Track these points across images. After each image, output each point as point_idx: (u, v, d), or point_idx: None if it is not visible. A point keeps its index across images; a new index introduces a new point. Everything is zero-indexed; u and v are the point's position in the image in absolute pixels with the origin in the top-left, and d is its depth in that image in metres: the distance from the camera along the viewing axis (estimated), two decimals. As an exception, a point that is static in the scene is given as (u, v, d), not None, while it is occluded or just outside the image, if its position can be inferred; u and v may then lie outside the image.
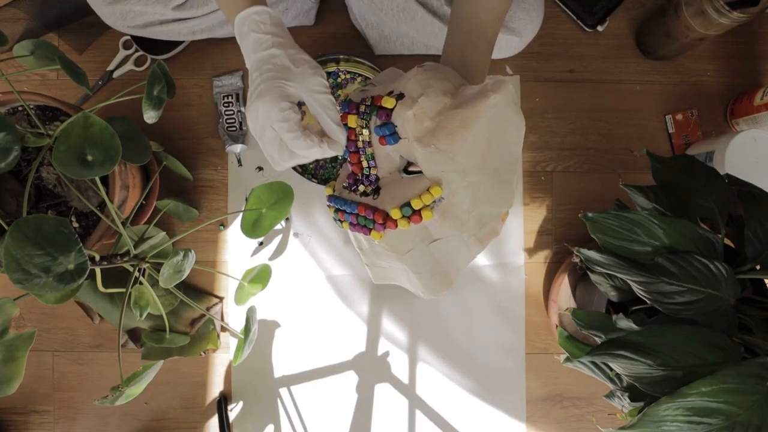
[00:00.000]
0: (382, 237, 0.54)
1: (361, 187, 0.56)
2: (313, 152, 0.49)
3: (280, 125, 0.49)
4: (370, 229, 0.54)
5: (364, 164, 0.56)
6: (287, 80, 0.50)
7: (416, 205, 0.51)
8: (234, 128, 0.89)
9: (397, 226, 0.52)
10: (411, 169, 0.56)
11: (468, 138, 0.49)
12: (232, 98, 0.90)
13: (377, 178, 0.56)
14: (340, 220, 0.59)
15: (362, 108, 0.54)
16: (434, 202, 0.52)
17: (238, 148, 0.89)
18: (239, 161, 0.91)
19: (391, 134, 0.52)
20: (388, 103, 0.52)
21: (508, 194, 0.54)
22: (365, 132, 0.54)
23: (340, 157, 0.89)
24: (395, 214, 0.52)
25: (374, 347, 0.91)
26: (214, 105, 0.91)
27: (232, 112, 0.90)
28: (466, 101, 0.51)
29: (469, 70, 0.58)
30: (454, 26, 0.61)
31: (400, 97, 0.52)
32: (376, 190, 0.55)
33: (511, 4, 0.78)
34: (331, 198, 0.60)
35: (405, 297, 0.91)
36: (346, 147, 0.55)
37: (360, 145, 0.55)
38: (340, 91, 0.91)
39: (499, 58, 0.88)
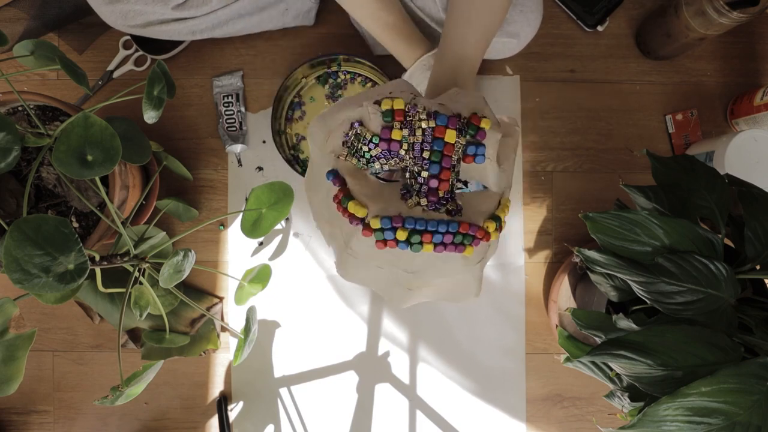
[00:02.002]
0: (472, 253, 0.51)
1: (450, 206, 0.51)
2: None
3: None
4: (466, 246, 0.50)
5: (452, 182, 0.51)
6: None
7: (503, 215, 0.52)
8: (234, 128, 0.89)
9: (490, 239, 0.51)
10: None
11: (514, 161, 0.55)
12: (232, 98, 0.90)
13: (455, 197, 0.52)
14: (410, 243, 0.49)
15: (459, 125, 0.50)
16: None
17: (238, 148, 0.89)
18: (239, 161, 0.91)
19: (481, 155, 0.51)
20: (486, 123, 0.51)
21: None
22: (460, 150, 0.51)
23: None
24: (491, 227, 0.50)
25: (374, 347, 0.91)
26: (214, 105, 0.91)
27: (232, 112, 0.90)
28: (506, 131, 0.55)
29: (464, 64, 0.62)
30: (453, 19, 0.62)
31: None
32: (459, 210, 0.51)
33: (510, 8, 0.78)
34: (409, 220, 0.48)
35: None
36: (437, 163, 0.50)
37: (453, 161, 0.51)
38: (340, 92, 0.91)
39: (497, 59, 0.88)
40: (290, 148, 0.90)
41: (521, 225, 0.91)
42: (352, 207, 0.48)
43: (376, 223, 0.47)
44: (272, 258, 0.91)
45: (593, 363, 0.66)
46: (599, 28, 0.92)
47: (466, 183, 0.55)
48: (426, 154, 0.50)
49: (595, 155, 0.92)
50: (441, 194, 0.51)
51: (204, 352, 0.88)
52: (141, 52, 0.91)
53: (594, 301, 0.75)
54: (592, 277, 0.65)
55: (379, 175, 0.53)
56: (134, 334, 0.89)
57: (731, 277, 0.53)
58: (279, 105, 0.88)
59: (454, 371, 0.91)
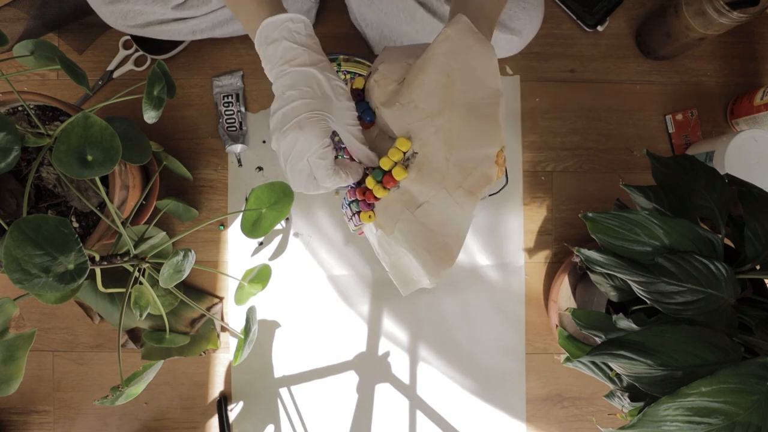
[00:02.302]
0: (373, 218, 0.48)
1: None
2: (338, 183, 0.49)
3: (317, 161, 0.48)
4: (358, 213, 0.50)
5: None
6: (328, 113, 0.48)
7: (385, 165, 0.47)
8: (234, 128, 0.89)
9: (375, 197, 0.47)
10: None
11: (425, 80, 0.46)
12: (232, 98, 0.90)
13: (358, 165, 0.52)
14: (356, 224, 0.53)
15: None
16: (406, 158, 0.47)
17: (238, 148, 0.89)
18: (239, 161, 0.91)
19: (364, 111, 0.50)
20: (358, 83, 0.50)
21: (492, 130, 0.46)
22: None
23: (339, 158, 0.89)
24: (369, 182, 0.47)
25: (375, 347, 0.91)
26: (214, 105, 0.91)
27: (232, 112, 0.89)
28: (424, 50, 0.48)
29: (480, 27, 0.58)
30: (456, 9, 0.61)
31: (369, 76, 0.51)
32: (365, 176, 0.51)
33: (512, 4, 0.78)
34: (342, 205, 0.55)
35: (406, 297, 0.91)
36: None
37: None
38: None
39: (498, 57, 0.88)
40: (290, 148, 0.90)
41: (521, 225, 0.91)
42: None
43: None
44: (272, 258, 0.91)
45: (593, 363, 0.66)
46: (599, 28, 0.92)
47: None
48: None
49: (595, 155, 0.92)
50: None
51: (204, 352, 0.88)
52: (141, 52, 0.91)
53: (594, 301, 0.75)
54: (592, 277, 0.65)
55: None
56: (134, 334, 0.89)
57: (731, 277, 0.53)
58: (279, 105, 0.88)
59: (454, 371, 0.91)
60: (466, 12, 0.54)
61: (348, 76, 0.90)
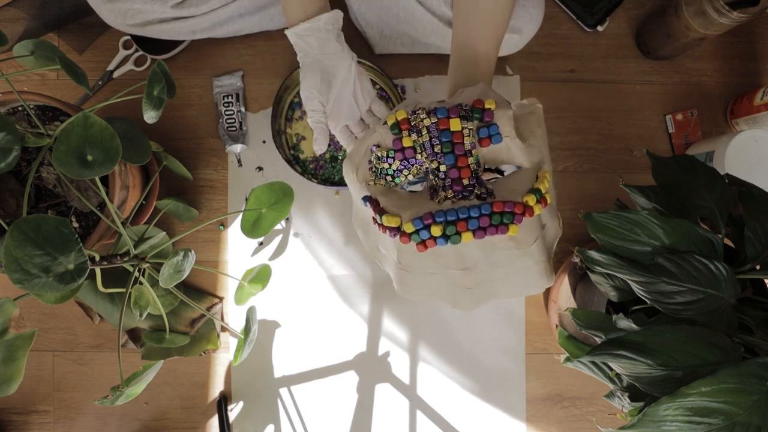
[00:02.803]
0: (517, 231, 0.50)
1: (478, 190, 0.51)
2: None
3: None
4: (508, 225, 0.49)
5: (473, 166, 0.52)
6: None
7: (543, 187, 0.50)
8: (234, 128, 0.89)
9: (533, 213, 0.49)
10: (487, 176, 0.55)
11: (543, 135, 0.53)
12: (232, 98, 0.90)
13: (482, 181, 0.52)
14: (447, 237, 0.49)
15: (463, 112, 0.52)
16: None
17: (238, 148, 0.89)
18: (239, 161, 0.91)
19: (495, 134, 0.51)
20: (490, 104, 0.51)
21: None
22: (474, 133, 0.52)
23: (339, 158, 0.89)
24: (531, 200, 0.49)
25: (375, 347, 0.91)
26: (214, 105, 0.91)
27: (232, 112, 0.89)
28: (525, 110, 0.54)
29: (479, 63, 0.62)
30: (460, 20, 0.62)
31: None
32: (490, 193, 0.51)
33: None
34: (438, 214, 0.49)
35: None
36: (450, 153, 0.51)
37: (467, 147, 0.52)
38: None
39: (499, 56, 0.88)
40: (290, 148, 0.90)
41: (521, 225, 0.91)
42: (386, 220, 0.50)
43: (409, 227, 0.49)
44: (272, 258, 0.91)
45: (593, 363, 0.66)
46: (599, 28, 0.92)
47: (501, 172, 0.55)
48: (437, 149, 0.51)
49: (595, 155, 0.92)
50: (466, 182, 0.51)
51: (204, 352, 0.88)
52: (141, 52, 0.91)
53: (594, 301, 0.75)
54: (592, 277, 0.65)
55: (413, 188, 0.55)
56: (134, 334, 0.89)
57: (731, 277, 0.53)
58: (279, 105, 0.88)
59: (454, 371, 0.91)
60: (471, 29, 0.61)
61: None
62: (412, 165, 0.52)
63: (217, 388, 0.91)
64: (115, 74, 0.92)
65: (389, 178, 0.53)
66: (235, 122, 0.89)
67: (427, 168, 0.52)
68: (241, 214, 0.71)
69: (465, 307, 0.56)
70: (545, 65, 0.93)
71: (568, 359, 0.75)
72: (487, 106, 0.51)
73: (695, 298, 0.53)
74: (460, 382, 0.91)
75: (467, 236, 0.49)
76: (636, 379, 0.51)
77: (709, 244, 0.55)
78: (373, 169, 0.53)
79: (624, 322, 0.57)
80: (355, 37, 0.91)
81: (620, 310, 0.64)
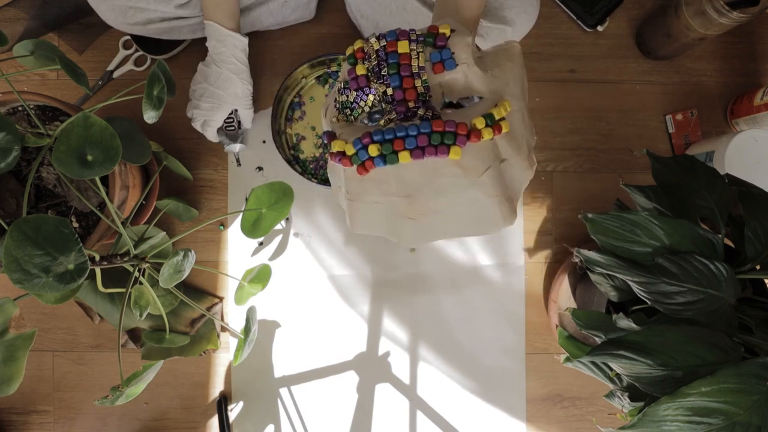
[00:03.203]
0: (461, 155, 0.48)
1: (421, 111, 0.50)
2: None
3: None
4: (449, 147, 0.47)
5: (420, 89, 0.51)
6: None
7: (498, 113, 0.49)
8: (232, 128, 0.89)
9: (481, 137, 0.47)
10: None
11: (513, 70, 0.52)
12: None
13: (434, 105, 0.51)
14: (382, 156, 0.48)
15: (413, 35, 0.51)
16: (501, 119, 0.50)
17: (236, 147, 0.89)
18: (238, 161, 0.91)
19: (448, 58, 0.50)
20: (445, 29, 0.51)
21: (533, 128, 0.55)
22: (422, 55, 0.51)
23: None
24: (479, 123, 0.47)
25: (375, 347, 0.91)
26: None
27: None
28: (493, 48, 0.54)
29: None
30: None
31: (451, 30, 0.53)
32: (437, 117, 0.50)
33: None
34: (376, 133, 0.48)
35: (406, 297, 0.91)
36: (396, 74, 0.50)
37: (414, 70, 0.50)
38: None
39: None
40: (290, 148, 0.90)
41: (521, 225, 0.91)
42: (335, 146, 0.49)
43: (350, 149, 0.48)
44: (272, 258, 0.91)
45: (593, 363, 0.66)
46: (599, 28, 0.92)
47: (460, 106, 0.53)
48: (384, 71, 0.50)
49: (595, 155, 0.92)
50: (411, 104, 0.50)
51: (204, 352, 0.88)
52: (141, 52, 0.91)
53: (594, 301, 0.75)
54: (592, 277, 0.65)
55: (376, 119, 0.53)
56: (134, 334, 0.89)
57: (731, 277, 0.53)
58: (279, 105, 0.88)
59: (454, 371, 0.91)
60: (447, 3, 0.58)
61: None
62: (367, 94, 0.51)
63: (217, 388, 0.91)
64: (115, 74, 0.92)
65: (348, 111, 0.52)
66: (233, 122, 0.89)
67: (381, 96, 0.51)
68: (241, 214, 0.71)
69: (409, 240, 0.53)
70: (545, 65, 0.93)
71: (568, 359, 0.75)
72: (441, 30, 0.51)
73: (695, 298, 0.53)
74: (460, 382, 0.91)
75: (404, 156, 0.47)
76: (636, 379, 0.51)
77: (709, 244, 0.55)
78: (337, 106, 0.53)
79: (624, 322, 0.57)
80: (354, 38, 0.91)
81: (620, 310, 0.64)
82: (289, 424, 0.90)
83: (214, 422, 0.90)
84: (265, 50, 0.92)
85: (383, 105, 0.51)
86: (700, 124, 0.92)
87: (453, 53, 0.51)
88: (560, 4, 0.92)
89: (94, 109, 0.61)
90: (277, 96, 0.87)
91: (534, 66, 0.93)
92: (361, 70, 0.50)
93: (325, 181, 0.88)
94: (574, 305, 0.82)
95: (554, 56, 0.93)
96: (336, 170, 0.53)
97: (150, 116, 0.62)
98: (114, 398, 0.57)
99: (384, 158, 0.47)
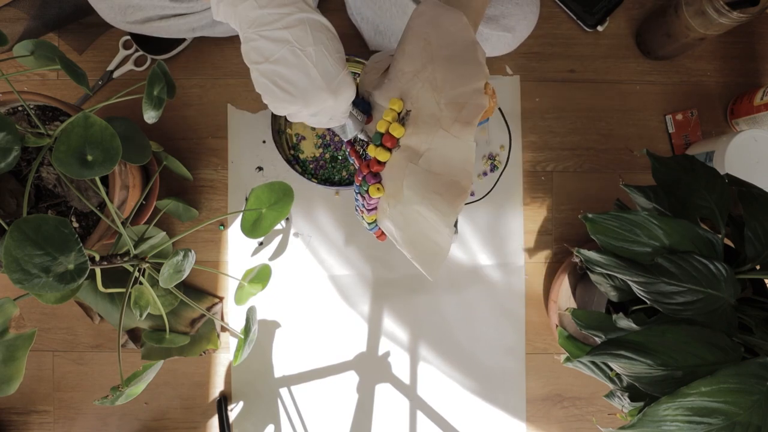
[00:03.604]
0: (382, 190, 0.50)
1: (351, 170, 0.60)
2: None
3: (343, 115, 0.53)
4: (368, 190, 0.52)
5: (359, 150, 0.58)
6: None
7: (381, 127, 0.49)
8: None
9: (380, 162, 0.50)
10: None
11: (405, 49, 0.50)
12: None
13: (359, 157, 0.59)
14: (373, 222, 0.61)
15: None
16: (401, 118, 0.50)
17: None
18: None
19: (363, 105, 0.56)
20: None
21: (475, 68, 0.49)
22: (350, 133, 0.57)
23: (339, 158, 0.89)
24: (371, 150, 0.51)
25: (375, 347, 0.91)
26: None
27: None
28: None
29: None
30: None
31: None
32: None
33: (505, 0, 0.78)
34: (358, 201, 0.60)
35: (406, 296, 0.91)
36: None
37: (344, 147, 0.59)
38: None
39: (493, 56, 0.88)
40: (290, 148, 0.90)
41: (521, 225, 0.91)
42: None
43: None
44: (272, 258, 0.91)
45: (593, 363, 0.66)
46: (599, 28, 0.92)
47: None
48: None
49: (595, 155, 0.92)
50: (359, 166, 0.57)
51: (204, 352, 0.88)
52: (141, 52, 0.91)
53: (594, 301, 0.75)
54: (592, 277, 0.65)
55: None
56: (134, 334, 0.89)
57: (731, 277, 0.53)
58: (279, 105, 0.88)
59: (454, 371, 0.91)
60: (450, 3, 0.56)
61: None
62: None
63: (217, 388, 0.91)
64: (115, 74, 0.92)
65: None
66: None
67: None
68: (241, 214, 0.71)
69: (429, 274, 0.58)
70: (545, 65, 0.93)
71: (568, 359, 0.75)
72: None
73: (695, 298, 0.53)
74: (460, 382, 0.91)
75: (368, 217, 0.58)
76: (636, 379, 0.51)
77: (709, 244, 0.55)
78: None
79: (624, 322, 0.57)
80: (354, 38, 0.91)
81: (620, 310, 0.64)
82: (289, 424, 0.90)
83: (214, 422, 0.90)
84: (265, 50, 0.92)
85: None
86: (700, 124, 0.92)
87: (368, 101, 0.56)
88: (560, 4, 0.92)
89: (94, 109, 0.61)
90: (277, 96, 0.87)
91: (534, 66, 0.93)
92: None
93: (325, 181, 0.88)
94: (574, 305, 0.82)
95: (554, 56, 0.93)
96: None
97: (150, 116, 0.62)
98: (114, 398, 0.57)
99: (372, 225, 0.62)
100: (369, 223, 0.59)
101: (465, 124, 0.47)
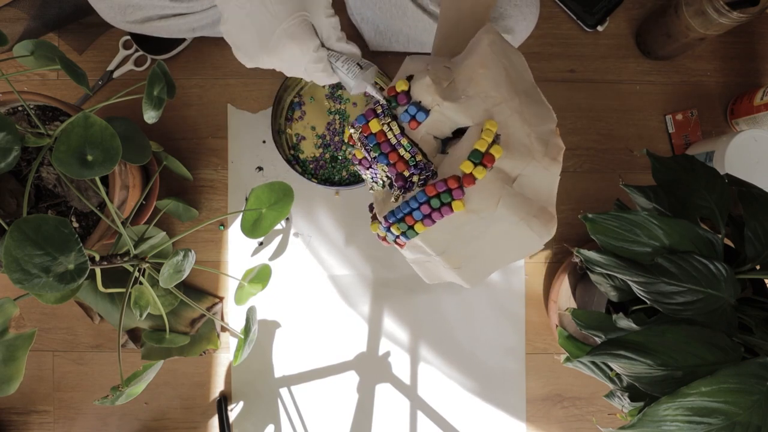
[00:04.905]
0: (464, 206, 0.50)
1: (415, 178, 0.52)
2: (334, 80, 0.54)
3: (314, 67, 0.51)
4: (450, 203, 0.50)
5: (407, 156, 0.52)
6: (306, 9, 0.49)
7: (482, 146, 0.49)
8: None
9: (474, 179, 0.49)
10: (450, 146, 0.54)
11: (488, 74, 0.51)
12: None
13: (428, 163, 0.53)
14: (404, 233, 0.52)
15: (378, 109, 0.52)
16: (493, 141, 0.50)
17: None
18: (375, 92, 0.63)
19: (418, 111, 0.52)
20: (401, 85, 0.52)
21: (547, 109, 0.54)
22: (394, 126, 0.52)
23: (339, 158, 0.89)
24: (466, 167, 0.49)
25: (375, 347, 0.91)
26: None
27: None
28: (465, 55, 0.53)
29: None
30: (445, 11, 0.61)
31: (409, 78, 0.52)
32: (434, 174, 0.52)
33: (503, 2, 0.78)
34: (389, 215, 0.52)
35: (406, 297, 0.91)
36: (381, 154, 0.53)
37: (393, 142, 0.52)
38: (340, 92, 0.91)
39: None
40: (290, 148, 0.90)
41: (521, 225, 0.91)
42: (373, 229, 0.55)
43: (381, 231, 0.53)
44: (272, 258, 0.91)
45: (593, 363, 0.66)
46: (599, 28, 0.92)
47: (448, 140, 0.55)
48: (372, 155, 0.53)
49: (595, 155, 0.92)
50: (406, 173, 0.52)
51: (204, 352, 0.88)
52: (141, 52, 0.91)
53: (594, 301, 0.75)
54: (592, 277, 0.65)
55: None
56: (134, 334, 0.89)
57: (731, 277, 0.53)
58: (279, 105, 0.88)
59: (454, 371, 0.91)
60: (459, 5, 0.57)
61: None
62: (376, 172, 0.54)
63: (217, 388, 0.91)
64: (115, 74, 0.92)
65: (374, 184, 0.56)
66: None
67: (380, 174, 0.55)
68: (241, 214, 0.71)
69: (469, 282, 0.55)
70: (545, 65, 0.93)
71: (568, 359, 0.75)
72: (398, 89, 0.52)
73: (695, 298, 0.53)
74: (460, 382, 0.91)
75: (419, 227, 0.51)
76: (636, 379, 0.51)
77: (709, 244, 0.55)
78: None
79: (624, 322, 0.57)
80: (354, 38, 0.91)
81: (620, 310, 0.64)
82: (289, 424, 0.90)
83: (214, 422, 0.90)
84: (265, 50, 0.92)
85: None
86: (700, 124, 0.92)
87: (420, 101, 0.52)
88: (560, 4, 0.92)
89: (94, 109, 0.61)
90: (277, 96, 0.87)
91: (534, 66, 0.93)
92: (359, 154, 0.54)
93: (325, 181, 0.88)
94: (574, 305, 0.82)
95: (554, 56, 0.93)
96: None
97: (150, 116, 0.62)
98: (114, 398, 0.57)
99: (405, 234, 0.52)
100: (400, 233, 0.54)
101: (553, 160, 0.52)
